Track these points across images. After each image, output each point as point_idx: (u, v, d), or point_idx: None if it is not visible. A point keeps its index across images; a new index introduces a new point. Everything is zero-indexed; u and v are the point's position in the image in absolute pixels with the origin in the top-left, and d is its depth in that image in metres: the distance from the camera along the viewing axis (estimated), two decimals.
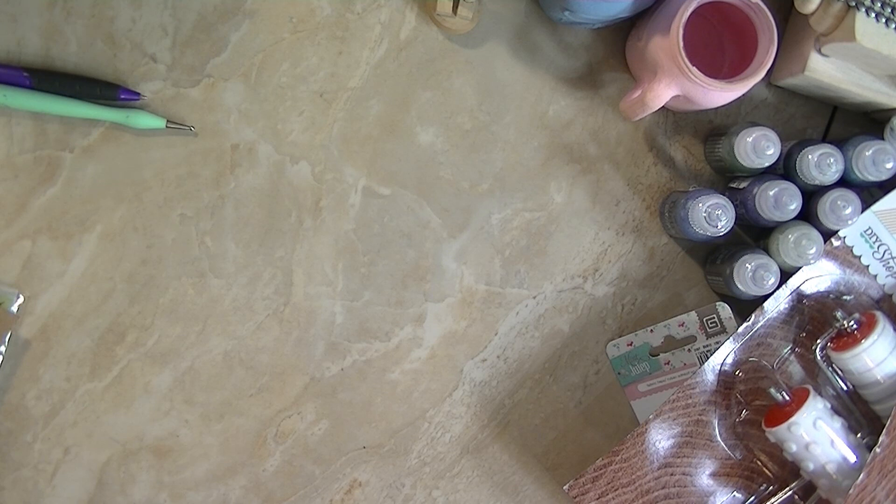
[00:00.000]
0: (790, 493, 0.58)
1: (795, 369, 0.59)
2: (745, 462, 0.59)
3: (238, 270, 0.59)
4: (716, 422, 0.59)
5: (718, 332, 0.60)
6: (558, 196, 0.61)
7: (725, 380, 0.58)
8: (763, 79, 0.55)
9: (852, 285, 0.59)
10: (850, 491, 0.53)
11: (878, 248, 0.59)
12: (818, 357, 0.57)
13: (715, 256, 0.61)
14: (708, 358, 0.58)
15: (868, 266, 0.59)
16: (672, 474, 0.58)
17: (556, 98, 0.61)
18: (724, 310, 0.60)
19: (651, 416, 0.58)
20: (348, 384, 0.60)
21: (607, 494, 0.58)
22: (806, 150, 0.56)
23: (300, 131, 0.59)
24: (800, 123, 0.63)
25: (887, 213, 0.58)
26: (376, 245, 0.60)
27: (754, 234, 0.62)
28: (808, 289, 0.58)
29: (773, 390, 0.55)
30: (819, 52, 0.56)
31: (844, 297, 0.58)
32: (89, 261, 0.58)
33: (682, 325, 0.61)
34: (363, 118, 0.59)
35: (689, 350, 0.61)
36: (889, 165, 0.56)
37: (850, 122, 0.63)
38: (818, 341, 0.57)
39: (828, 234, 0.58)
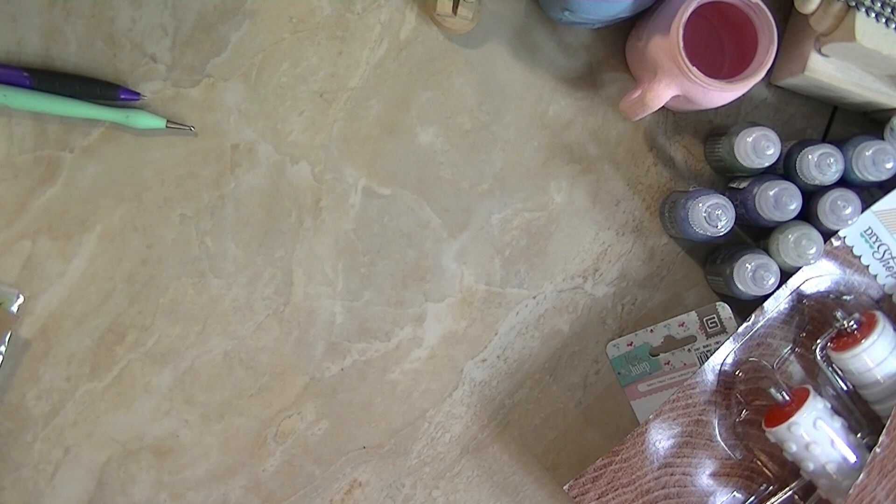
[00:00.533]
0: (790, 493, 0.58)
1: (795, 369, 0.59)
2: (745, 462, 0.59)
3: (238, 270, 0.59)
4: (716, 422, 0.59)
5: (718, 332, 0.60)
6: (558, 196, 0.61)
7: (725, 380, 0.58)
8: (763, 79, 0.55)
9: (852, 285, 0.59)
10: (850, 491, 0.53)
11: (878, 248, 0.59)
12: (818, 357, 0.57)
13: (715, 256, 0.61)
14: (708, 358, 0.58)
15: (868, 266, 0.59)
16: (672, 474, 0.58)
17: (556, 98, 0.61)
18: (724, 310, 0.60)
19: (651, 416, 0.58)
20: (348, 384, 0.60)
21: (607, 494, 0.58)
22: (806, 150, 0.56)
23: (300, 131, 0.59)
24: (800, 123, 0.63)
25: (887, 213, 0.58)
26: (376, 245, 0.60)
27: (754, 234, 0.62)
28: (808, 289, 0.58)
29: (773, 390, 0.55)
30: (819, 52, 0.56)
31: (844, 297, 0.58)
32: (89, 261, 0.58)
33: (682, 325, 0.61)
34: (363, 118, 0.60)
35: (689, 350, 0.61)
36: (889, 165, 0.56)
37: (850, 122, 0.63)
38: (818, 341, 0.57)
39: (828, 234, 0.58)
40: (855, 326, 0.55)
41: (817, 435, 0.54)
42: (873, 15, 0.52)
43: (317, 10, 0.59)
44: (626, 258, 0.62)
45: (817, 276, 0.58)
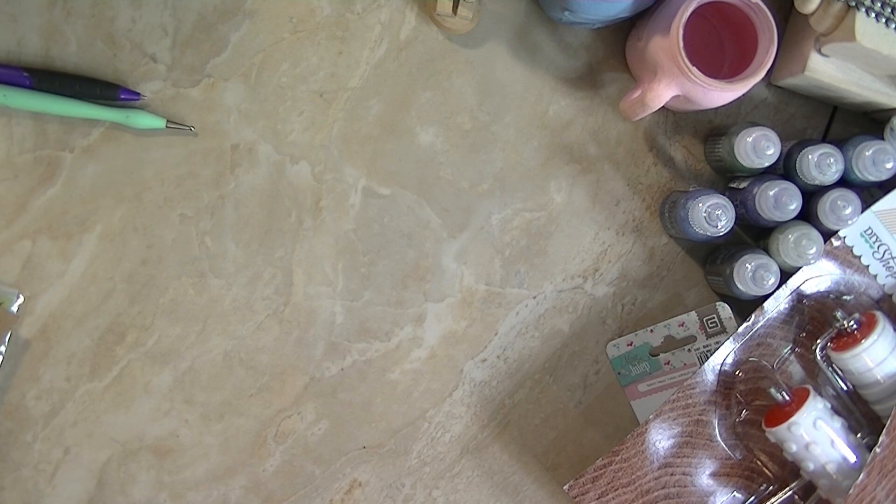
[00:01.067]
0: (790, 493, 0.58)
1: (795, 369, 0.59)
2: (745, 462, 0.59)
3: (238, 270, 0.59)
4: (716, 422, 0.59)
5: (718, 332, 0.60)
6: (558, 196, 0.61)
7: (725, 380, 0.58)
8: (763, 79, 0.55)
9: (852, 285, 0.59)
10: (850, 491, 0.53)
11: (878, 248, 0.59)
12: (818, 357, 0.57)
13: (715, 256, 0.61)
14: (708, 358, 0.58)
15: (868, 266, 0.59)
16: (672, 474, 0.58)
17: (556, 98, 0.61)
18: (724, 310, 0.60)
19: (651, 416, 0.58)
20: (348, 384, 0.60)
21: (607, 494, 0.58)
22: (806, 150, 0.56)
23: (300, 131, 0.59)
24: (800, 123, 0.63)
25: (887, 213, 0.58)
26: (376, 245, 0.60)
27: (754, 234, 0.62)
28: (808, 289, 0.58)
29: (773, 390, 0.55)
30: (819, 52, 0.56)
31: (844, 297, 0.58)
32: (89, 261, 0.58)
33: (682, 325, 0.61)
34: (363, 118, 0.60)
35: (689, 350, 0.61)
36: (889, 165, 0.56)
37: (850, 122, 0.63)
38: (818, 341, 0.57)
39: (828, 234, 0.58)
40: (855, 326, 0.55)
41: (817, 435, 0.54)
42: (873, 15, 0.52)
43: (317, 10, 0.59)
44: (626, 258, 0.62)
45: (817, 276, 0.58)
